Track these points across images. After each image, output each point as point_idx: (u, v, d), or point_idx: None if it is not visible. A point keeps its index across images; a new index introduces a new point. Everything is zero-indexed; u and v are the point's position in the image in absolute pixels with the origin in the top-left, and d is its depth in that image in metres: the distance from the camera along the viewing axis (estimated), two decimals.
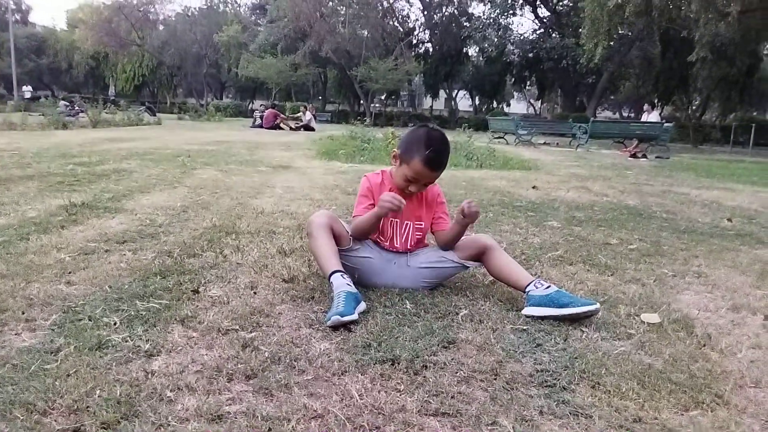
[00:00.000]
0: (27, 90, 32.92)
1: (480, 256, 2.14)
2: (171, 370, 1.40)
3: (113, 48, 40.26)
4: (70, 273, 2.15)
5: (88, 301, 1.84)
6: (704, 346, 1.73)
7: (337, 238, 2.07)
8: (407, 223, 2.21)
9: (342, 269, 1.96)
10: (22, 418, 1.17)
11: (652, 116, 16.23)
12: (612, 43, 23.20)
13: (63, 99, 22.68)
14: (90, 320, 1.69)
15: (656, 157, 13.06)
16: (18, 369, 1.38)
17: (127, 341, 1.55)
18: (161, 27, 43.05)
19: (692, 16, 17.19)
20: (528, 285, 1.96)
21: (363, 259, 2.13)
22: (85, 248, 2.52)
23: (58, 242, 2.59)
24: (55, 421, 1.17)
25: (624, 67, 32.07)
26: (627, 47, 29.21)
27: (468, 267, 2.20)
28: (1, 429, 1.14)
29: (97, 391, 1.27)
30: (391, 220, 2.20)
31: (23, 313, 1.73)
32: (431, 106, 43.76)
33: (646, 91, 31.31)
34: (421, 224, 2.23)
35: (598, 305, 1.86)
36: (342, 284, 1.86)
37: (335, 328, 1.70)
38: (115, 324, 1.67)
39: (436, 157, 2.06)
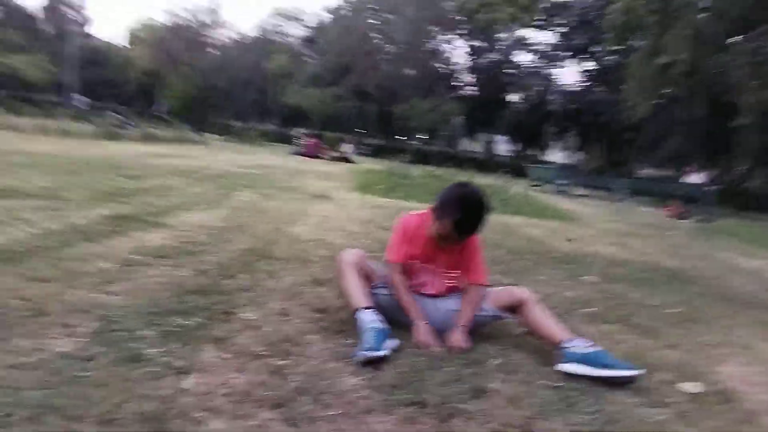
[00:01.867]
0: (82, 100, 34.20)
1: (516, 308, 2.11)
2: (201, 390, 1.41)
3: (167, 67, 41.98)
4: (110, 283, 2.20)
5: (126, 313, 1.88)
6: (746, 422, 1.65)
7: (364, 277, 2.08)
8: (442, 271, 2.19)
9: (372, 306, 1.95)
10: (53, 423, 1.19)
11: (694, 177, 15.93)
12: (656, 102, 23.02)
13: (113, 111, 23.51)
14: (126, 332, 1.72)
15: (698, 220, 12.74)
16: (54, 373, 1.41)
17: (160, 357, 1.57)
18: (214, 51, 44.73)
19: (739, 81, 16.97)
20: (566, 341, 1.92)
21: (394, 298, 2.12)
22: (127, 260, 2.58)
23: (102, 252, 2.66)
24: (85, 430, 1.18)
25: (667, 125, 31.69)
26: (672, 106, 28.92)
27: (502, 318, 2.16)
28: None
29: (128, 405, 1.29)
30: (426, 267, 2.18)
31: (63, 319, 1.77)
32: (469, 149, 43.84)
33: (688, 151, 30.75)
34: (457, 272, 2.20)
35: (642, 371, 1.80)
36: (372, 320, 1.87)
37: (364, 364, 1.69)
38: (150, 338, 1.69)
39: (467, 224, 2.02)
